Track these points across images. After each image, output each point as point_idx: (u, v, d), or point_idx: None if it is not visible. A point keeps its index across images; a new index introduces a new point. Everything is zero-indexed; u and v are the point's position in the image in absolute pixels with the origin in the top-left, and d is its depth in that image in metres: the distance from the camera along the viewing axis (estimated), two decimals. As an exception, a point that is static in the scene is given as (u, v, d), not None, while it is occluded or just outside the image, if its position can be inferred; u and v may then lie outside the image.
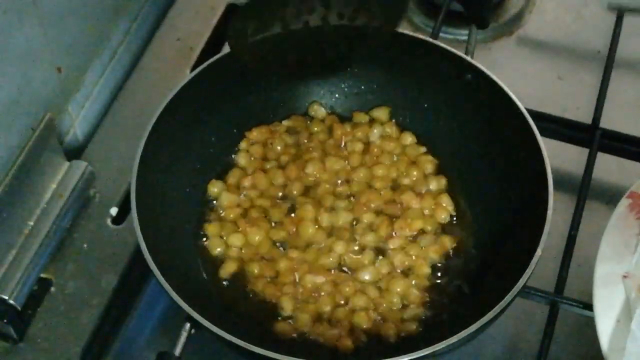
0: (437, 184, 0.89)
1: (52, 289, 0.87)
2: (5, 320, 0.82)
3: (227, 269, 0.84)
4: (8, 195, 0.83)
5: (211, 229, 0.86)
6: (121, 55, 1.02)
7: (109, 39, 1.00)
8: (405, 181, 0.89)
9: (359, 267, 0.84)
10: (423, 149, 0.91)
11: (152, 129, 0.82)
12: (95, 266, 0.88)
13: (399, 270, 0.84)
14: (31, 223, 0.87)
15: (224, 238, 0.85)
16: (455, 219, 0.87)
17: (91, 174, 0.91)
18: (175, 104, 0.84)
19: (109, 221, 0.91)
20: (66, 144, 0.95)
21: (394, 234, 0.86)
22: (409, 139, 0.92)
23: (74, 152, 0.96)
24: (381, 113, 0.93)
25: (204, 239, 0.86)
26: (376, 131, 0.91)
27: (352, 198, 0.88)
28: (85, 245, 0.89)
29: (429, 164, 0.90)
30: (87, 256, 0.89)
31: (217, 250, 0.85)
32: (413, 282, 0.83)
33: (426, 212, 0.87)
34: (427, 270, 0.84)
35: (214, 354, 0.82)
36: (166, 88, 0.86)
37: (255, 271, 0.83)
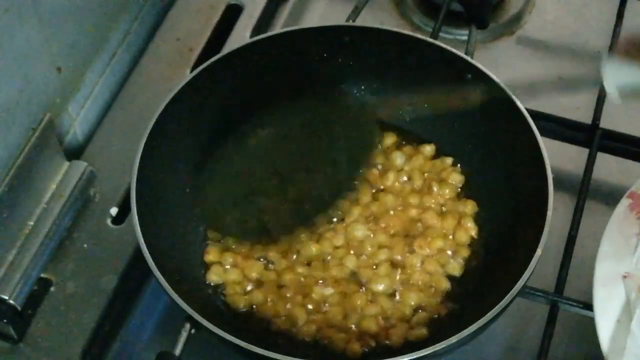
0: (464, 207, 0.87)
1: (52, 289, 0.87)
2: (5, 320, 0.82)
3: (241, 304, 0.82)
4: (8, 195, 0.83)
5: (211, 257, 0.85)
6: (121, 55, 1.02)
7: (109, 39, 1.00)
8: (431, 201, 0.87)
9: (373, 279, 0.83)
10: (449, 161, 0.89)
11: (152, 129, 0.82)
12: (95, 266, 0.88)
13: (416, 283, 0.83)
14: (31, 223, 0.86)
15: (224, 269, 0.84)
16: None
17: (91, 174, 0.91)
18: (175, 104, 0.84)
19: (109, 221, 0.91)
20: (66, 144, 0.95)
21: (411, 251, 0.84)
22: (427, 148, 0.90)
23: (74, 152, 0.96)
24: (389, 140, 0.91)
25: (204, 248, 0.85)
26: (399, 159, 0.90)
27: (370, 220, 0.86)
28: (85, 245, 0.89)
29: (457, 178, 0.88)
30: (87, 256, 0.89)
31: (215, 280, 0.83)
32: (430, 294, 0.82)
33: (447, 231, 0.85)
34: (447, 285, 0.83)
35: (214, 354, 0.82)
36: (166, 88, 0.86)
37: (260, 298, 0.82)
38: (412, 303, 0.81)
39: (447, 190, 0.87)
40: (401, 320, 0.81)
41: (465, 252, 0.84)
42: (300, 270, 0.83)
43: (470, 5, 0.95)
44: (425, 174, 0.89)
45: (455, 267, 0.84)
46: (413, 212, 0.86)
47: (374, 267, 0.83)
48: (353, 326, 0.80)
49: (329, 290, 0.82)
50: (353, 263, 0.83)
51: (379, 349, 0.79)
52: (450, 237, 0.85)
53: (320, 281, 0.82)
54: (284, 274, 0.83)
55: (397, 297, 0.82)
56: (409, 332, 0.80)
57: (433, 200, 0.87)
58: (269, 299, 0.82)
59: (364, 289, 0.82)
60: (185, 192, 0.87)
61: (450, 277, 0.83)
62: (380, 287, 0.82)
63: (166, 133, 0.84)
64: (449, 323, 0.80)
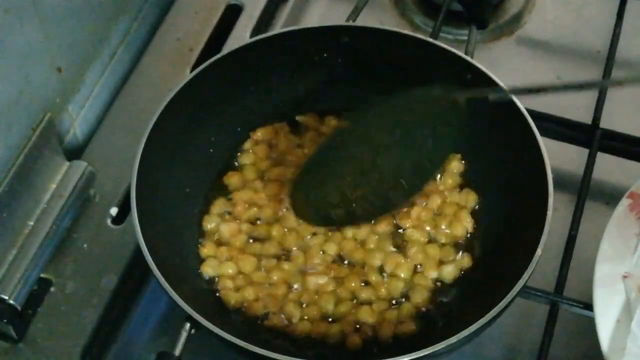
0: (464, 199, 0.87)
1: (52, 289, 0.87)
2: (5, 320, 0.82)
3: (233, 301, 0.82)
4: (8, 195, 0.83)
5: (206, 251, 0.85)
6: (121, 55, 1.02)
7: (109, 39, 1.00)
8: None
9: (367, 256, 0.83)
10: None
11: (152, 129, 0.82)
12: (95, 266, 0.88)
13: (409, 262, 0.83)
14: (31, 223, 0.87)
15: (219, 262, 0.84)
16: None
17: (91, 174, 0.91)
18: (175, 104, 0.84)
19: (109, 221, 0.91)
20: (66, 144, 0.95)
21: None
22: None
23: (74, 152, 0.96)
24: None
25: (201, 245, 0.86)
26: None
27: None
28: (85, 245, 0.89)
29: (457, 166, 0.89)
30: (87, 256, 0.89)
31: (210, 273, 0.84)
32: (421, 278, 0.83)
33: (443, 226, 0.86)
34: (434, 274, 0.83)
35: (214, 354, 0.82)
36: (166, 88, 0.86)
37: (251, 296, 0.82)
38: (403, 275, 0.82)
39: (450, 181, 0.88)
40: (388, 312, 0.81)
41: (466, 261, 0.84)
42: (286, 267, 0.83)
43: (470, 5, 0.95)
44: None
45: (451, 272, 0.84)
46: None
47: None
48: (347, 315, 0.80)
49: (323, 279, 0.82)
50: (334, 250, 0.84)
51: (377, 349, 0.79)
52: (443, 227, 0.85)
53: (311, 269, 0.83)
54: (274, 271, 0.83)
55: (388, 271, 0.83)
56: (398, 326, 0.80)
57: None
58: (260, 295, 0.82)
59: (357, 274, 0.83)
60: (185, 192, 0.87)
61: (450, 277, 0.83)
62: (376, 262, 0.83)
63: (166, 133, 0.84)
64: (448, 323, 0.80)
